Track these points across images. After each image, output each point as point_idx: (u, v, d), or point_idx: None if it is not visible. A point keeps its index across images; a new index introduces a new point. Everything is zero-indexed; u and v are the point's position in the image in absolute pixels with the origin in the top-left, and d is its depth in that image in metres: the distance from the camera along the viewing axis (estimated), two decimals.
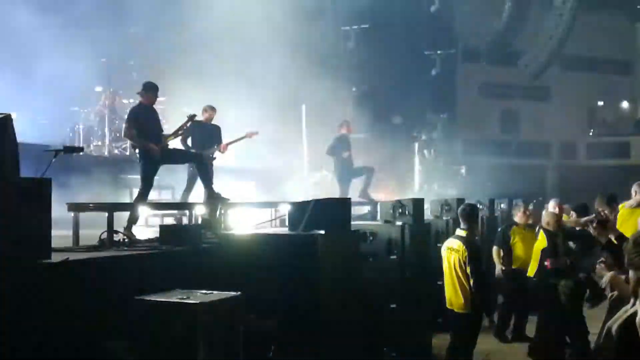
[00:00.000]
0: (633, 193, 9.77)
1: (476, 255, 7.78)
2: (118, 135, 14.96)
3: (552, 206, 11.08)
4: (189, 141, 11.05)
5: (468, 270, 7.70)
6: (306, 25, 17.97)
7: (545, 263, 8.99)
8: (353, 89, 21.57)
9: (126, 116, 9.78)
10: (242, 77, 16.04)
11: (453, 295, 7.89)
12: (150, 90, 9.30)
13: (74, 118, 15.21)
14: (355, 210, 11.49)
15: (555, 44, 28.44)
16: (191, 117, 9.91)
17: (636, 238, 3.86)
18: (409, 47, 22.90)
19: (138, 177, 9.59)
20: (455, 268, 7.81)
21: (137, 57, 16.96)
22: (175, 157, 9.70)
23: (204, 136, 11.16)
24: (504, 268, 10.88)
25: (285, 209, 9.06)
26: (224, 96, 15.57)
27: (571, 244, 9.25)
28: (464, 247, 7.70)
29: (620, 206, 9.76)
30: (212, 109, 11.46)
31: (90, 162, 13.12)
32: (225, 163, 12.94)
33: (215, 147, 11.21)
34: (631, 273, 3.73)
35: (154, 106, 9.54)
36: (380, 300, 8.71)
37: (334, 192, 13.99)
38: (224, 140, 11.38)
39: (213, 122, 11.47)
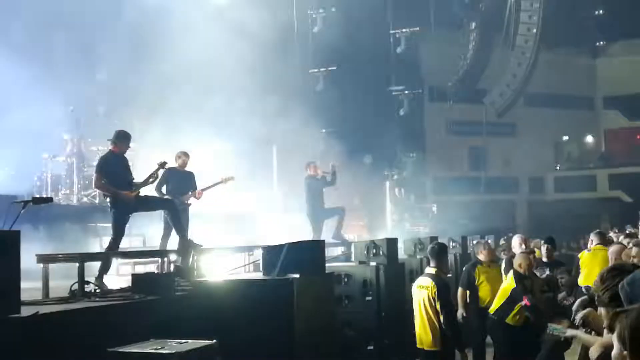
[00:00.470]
0: (590, 242, 9.95)
1: (445, 291, 7.77)
2: (87, 183, 14.81)
3: (517, 243, 10.89)
4: (164, 189, 10.92)
5: (437, 306, 7.69)
6: (275, 67, 18.11)
7: (523, 302, 8.58)
8: (322, 130, 21.68)
9: (95, 165, 9.66)
10: (212, 120, 16.02)
11: (423, 333, 7.86)
12: (123, 139, 9.23)
13: (41, 166, 15.03)
14: (329, 252, 11.43)
15: (520, 82, 29.00)
16: (161, 165, 9.85)
17: (602, 275, 3.88)
18: (376, 87, 23.18)
19: (108, 225, 9.47)
20: (425, 305, 7.79)
21: (105, 104, 16.87)
22: (147, 204, 9.59)
23: (179, 183, 11.06)
24: (464, 314, 10.15)
25: (258, 253, 8.99)
26: (195, 140, 15.56)
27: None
28: (433, 283, 7.70)
29: (580, 254, 9.93)
30: (186, 154, 11.38)
31: (59, 211, 12.94)
32: (196, 207, 12.86)
33: (190, 193, 11.13)
34: (602, 310, 3.73)
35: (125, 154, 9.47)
36: (357, 341, 8.65)
37: (307, 234, 13.95)
38: (199, 186, 11.29)
39: (187, 168, 11.39)
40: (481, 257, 10.36)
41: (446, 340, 7.70)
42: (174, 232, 10.45)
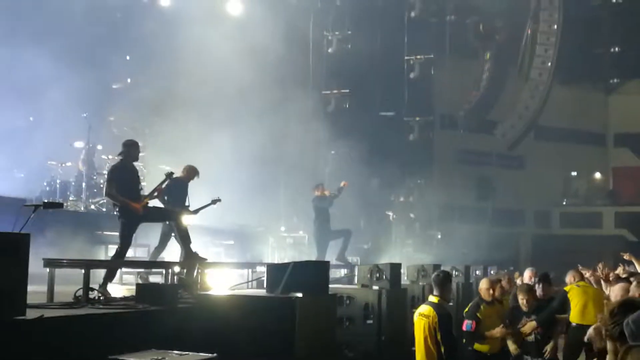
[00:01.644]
0: (572, 279, 9.95)
1: (447, 321, 7.74)
2: (95, 190, 14.89)
3: (527, 276, 11.03)
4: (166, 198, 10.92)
5: (438, 337, 7.66)
6: (287, 87, 18.22)
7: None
8: (332, 152, 21.76)
9: (106, 174, 9.72)
10: (223, 135, 16.11)
11: None
12: (131, 147, 9.28)
13: (51, 172, 15.12)
14: (332, 273, 11.46)
15: (532, 115, 29.05)
16: (168, 176, 9.93)
17: (612, 310, 3.90)
18: (388, 112, 23.28)
19: (114, 233, 9.53)
20: (425, 335, 7.77)
21: (117, 113, 16.99)
22: (155, 215, 9.64)
23: (179, 194, 11.04)
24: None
25: (262, 270, 9.02)
26: (205, 154, 15.65)
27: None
28: (435, 312, 7.68)
29: (567, 288, 9.83)
30: (193, 170, 11.38)
31: (67, 217, 13.00)
32: (203, 222, 12.90)
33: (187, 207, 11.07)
34: (609, 345, 3.76)
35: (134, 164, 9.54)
36: None
37: (311, 254, 13.99)
38: (193, 207, 11.24)
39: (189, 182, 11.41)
40: (482, 294, 9.50)
41: None
42: (170, 245, 10.52)
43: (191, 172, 11.29)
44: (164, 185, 9.94)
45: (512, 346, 9.05)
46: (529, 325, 9.03)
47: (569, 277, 10.11)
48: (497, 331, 8.89)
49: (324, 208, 14.36)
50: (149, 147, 15.47)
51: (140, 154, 10.01)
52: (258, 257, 14.84)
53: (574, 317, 9.41)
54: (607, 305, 4.68)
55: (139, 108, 16.72)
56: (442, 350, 7.58)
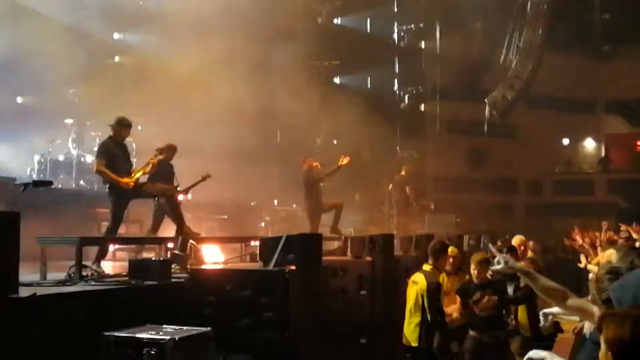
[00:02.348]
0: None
1: (434, 289, 7.81)
2: (86, 168, 14.83)
3: (516, 244, 11.02)
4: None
5: (425, 303, 7.74)
6: (278, 58, 18.11)
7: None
8: (324, 125, 21.71)
9: (96, 151, 9.70)
10: (216, 110, 16.02)
11: (407, 328, 7.94)
12: (123, 126, 9.28)
13: (41, 150, 15.04)
14: (326, 245, 11.48)
15: (523, 83, 28.96)
16: (160, 152, 9.93)
17: (598, 277, 3.94)
18: (378, 82, 23.18)
19: (106, 210, 9.52)
20: (413, 300, 7.86)
21: (107, 89, 16.83)
22: (146, 191, 9.63)
23: (163, 174, 10.98)
24: None
25: (256, 244, 9.04)
26: (195, 131, 15.61)
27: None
28: (425, 280, 7.75)
29: None
30: (172, 148, 11.30)
31: (58, 195, 12.97)
32: (196, 198, 12.90)
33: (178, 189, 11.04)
34: (595, 310, 3.80)
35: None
36: (350, 335, 8.70)
37: (304, 227, 14.01)
38: (183, 185, 11.23)
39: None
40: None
41: (428, 338, 7.73)
42: (164, 225, 10.52)
43: (170, 151, 11.20)
44: (156, 161, 9.93)
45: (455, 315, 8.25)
46: (488, 301, 7.93)
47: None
48: (452, 309, 8.20)
49: (315, 181, 14.34)
50: (137, 123, 15.39)
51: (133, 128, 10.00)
52: (252, 231, 14.85)
53: None
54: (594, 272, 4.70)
55: (127, 82, 16.59)
56: (428, 317, 7.66)
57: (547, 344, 7.57)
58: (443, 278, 8.69)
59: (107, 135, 9.55)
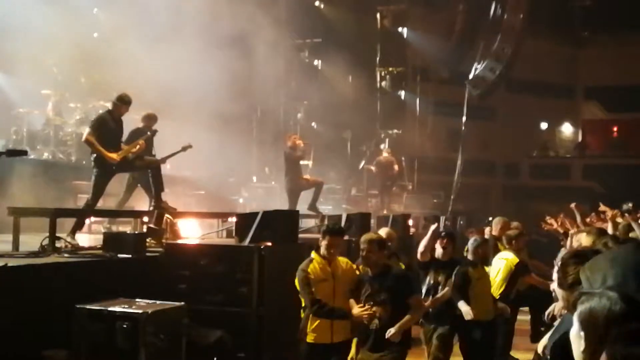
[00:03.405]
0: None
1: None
2: (64, 140, 14.67)
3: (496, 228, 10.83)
4: None
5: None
6: (260, 35, 17.98)
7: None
8: (305, 102, 21.66)
9: (91, 121, 9.61)
10: (195, 85, 15.91)
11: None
12: (124, 103, 9.26)
13: (17, 121, 14.84)
14: (303, 223, 11.50)
15: (503, 67, 29.02)
16: (152, 133, 9.96)
17: (564, 260, 3.97)
18: (360, 63, 23.11)
19: (83, 183, 9.46)
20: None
21: (86, 62, 16.61)
22: (131, 165, 9.57)
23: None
24: None
25: (232, 220, 9.03)
26: (175, 104, 15.47)
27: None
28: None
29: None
30: (151, 117, 11.19)
31: (34, 166, 12.83)
32: (173, 172, 12.83)
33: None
34: (562, 293, 3.83)
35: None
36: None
37: (283, 205, 14.01)
38: (161, 155, 11.13)
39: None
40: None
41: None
42: (139, 194, 10.46)
43: (150, 120, 11.08)
44: (144, 142, 9.87)
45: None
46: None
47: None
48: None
49: (296, 159, 14.34)
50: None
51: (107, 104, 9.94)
52: (229, 207, 14.81)
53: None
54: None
55: (109, 57, 16.40)
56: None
57: None
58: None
59: (106, 109, 9.56)
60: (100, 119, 9.29)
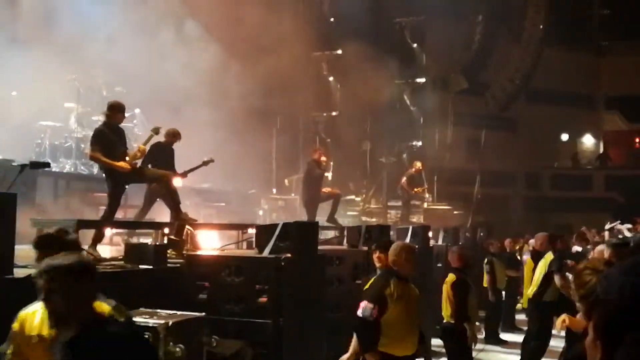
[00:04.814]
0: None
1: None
2: (86, 152, 14.82)
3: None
4: (149, 165, 10.77)
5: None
6: (278, 49, 18.07)
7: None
8: (324, 114, 21.73)
9: (90, 137, 9.65)
10: (214, 99, 16.02)
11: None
12: (117, 111, 9.21)
13: (41, 133, 15.02)
14: (322, 234, 11.53)
15: (522, 77, 28.96)
16: (155, 131, 9.92)
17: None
18: (379, 74, 23.14)
19: (104, 195, 9.51)
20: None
21: (105, 76, 16.77)
22: (143, 176, 9.61)
23: (164, 159, 10.94)
24: None
25: (253, 231, 9.06)
26: (195, 116, 15.58)
27: None
28: None
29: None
30: (174, 134, 11.26)
31: (56, 178, 12.98)
32: (194, 184, 12.90)
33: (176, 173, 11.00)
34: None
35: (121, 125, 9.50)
36: (345, 323, 8.73)
37: (302, 216, 14.04)
38: (182, 169, 11.19)
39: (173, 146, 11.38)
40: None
41: None
42: (160, 206, 10.50)
43: (173, 136, 11.17)
44: (150, 140, 9.93)
45: None
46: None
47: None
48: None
49: (317, 172, 14.38)
50: (142, 107, 15.41)
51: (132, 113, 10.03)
52: (249, 219, 14.87)
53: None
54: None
55: (127, 71, 16.57)
56: None
57: None
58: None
59: (102, 121, 9.54)
60: (97, 133, 9.25)
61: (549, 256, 9.71)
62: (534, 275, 9.93)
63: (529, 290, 10.10)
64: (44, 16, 15.24)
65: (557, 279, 9.28)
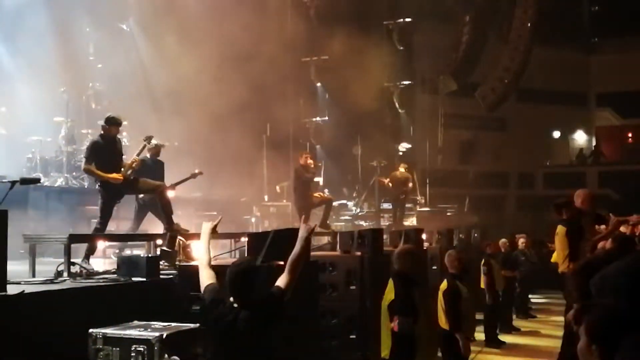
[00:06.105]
0: None
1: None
2: (76, 166, 14.80)
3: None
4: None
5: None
6: (268, 54, 18.09)
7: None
8: (314, 119, 21.76)
9: (85, 149, 9.70)
10: (204, 106, 16.03)
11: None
12: (112, 124, 9.32)
13: (31, 148, 15.01)
14: (315, 240, 11.54)
15: (512, 77, 29.00)
16: (147, 140, 9.97)
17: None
18: (368, 77, 23.17)
19: (96, 208, 9.53)
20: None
21: (95, 87, 16.75)
22: (136, 187, 9.63)
23: (151, 171, 10.95)
24: None
25: (245, 240, 9.06)
26: (184, 125, 15.60)
27: None
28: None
29: None
30: (157, 145, 11.38)
31: (47, 193, 12.97)
32: (185, 194, 12.90)
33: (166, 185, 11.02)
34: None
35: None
36: (340, 330, 8.73)
37: (295, 223, 14.04)
38: (171, 181, 11.23)
39: (159, 158, 11.50)
40: None
41: None
42: (151, 218, 10.52)
43: (155, 148, 11.31)
44: (144, 151, 9.98)
45: None
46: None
47: None
48: None
49: (306, 178, 14.39)
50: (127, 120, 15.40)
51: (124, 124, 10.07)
52: (242, 227, 14.87)
53: None
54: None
55: (117, 81, 16.58)
56: None
57: None
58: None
59: (97, 134, 9.62)
60: (91, 145, 9.34)
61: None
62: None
63: None
64: (34, 31, 15.26)
65: None
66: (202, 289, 4.99)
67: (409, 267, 6.59)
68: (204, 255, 5.32)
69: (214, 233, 5.61)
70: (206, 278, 5.08)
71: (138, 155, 9.72)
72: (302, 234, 5.24)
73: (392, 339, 6.23)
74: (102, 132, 9.36)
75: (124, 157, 9.81)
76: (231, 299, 4.70)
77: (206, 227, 5.47)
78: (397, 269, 6.77)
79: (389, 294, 6.64)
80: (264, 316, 4.73)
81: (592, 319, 2.60)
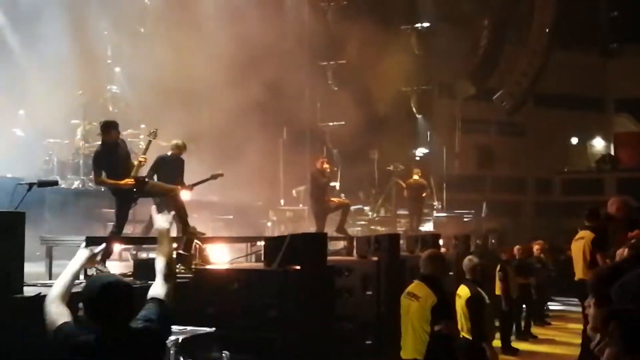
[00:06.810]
0: None
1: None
2: (90, 177, 14.84)
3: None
4: (155, 177, 10.77)
5: None
6: (286, 58, 18.10)
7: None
8: (330, 124, 21.73)
9: (91, 164, 9.62)
10: (221, 110, 16.05)
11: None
12: (110, 128, 9.21)
13: (49, 151, 15.09)
14: (331, 245, 11.49)
15: (530, 81, 28.83)
16: (152, 135, 9.94)
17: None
18: (385, 82, 23.14)
19: (111, 210, 9.54)
20: None
21: (112, 90, 16.81)
22: (150, 190, 9.60)
23: (170, 171, 10.91)
24: None
25: (261, 244, 9.04)
26: (203, 128, 15.62)
27: None
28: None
29: None
30: (180, 146, 11.26)
31: (64, 195, 13.02)
32: (202, 197, 12.90)
33: (182, 186, 10.96)
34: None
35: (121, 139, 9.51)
36: (356, 335, 8.69)
37: (311, 227, 14.01)
38: (190, 181, 11.16)
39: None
40: None
41: None
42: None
43: (178, 148, 11.16)
44: (144, 159, 9.93)
45: None
46: None
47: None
48: None
49: (323, 182, 14.33)
50: (148, 123, 15.45)
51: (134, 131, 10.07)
52: (258, 231, 14.85)
53: None
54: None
55: (135, 82, 16.66)
56: None
57: None
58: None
59: (99, 143, 9.57)
60: (95, 157, 9.24)
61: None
62: None
63: None
64: (52, 34, 15.35)
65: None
66: (51, 328, 3.84)
67: (440, 270, 6.48)
68: (60, 288, 4.07)
69: (91, 262, 4.39)
70: (57, 315, 3.86)
71: (144, 153, 9.68)
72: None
73: (430, 342, 6.10)
74: (102, 139, 9.27)
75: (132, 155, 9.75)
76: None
77: (82, 254, 4.25)
78: (428, 273, 6.55)
79: (428, 298, 6.35)
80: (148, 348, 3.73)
81: (621, 326, 2.52)
